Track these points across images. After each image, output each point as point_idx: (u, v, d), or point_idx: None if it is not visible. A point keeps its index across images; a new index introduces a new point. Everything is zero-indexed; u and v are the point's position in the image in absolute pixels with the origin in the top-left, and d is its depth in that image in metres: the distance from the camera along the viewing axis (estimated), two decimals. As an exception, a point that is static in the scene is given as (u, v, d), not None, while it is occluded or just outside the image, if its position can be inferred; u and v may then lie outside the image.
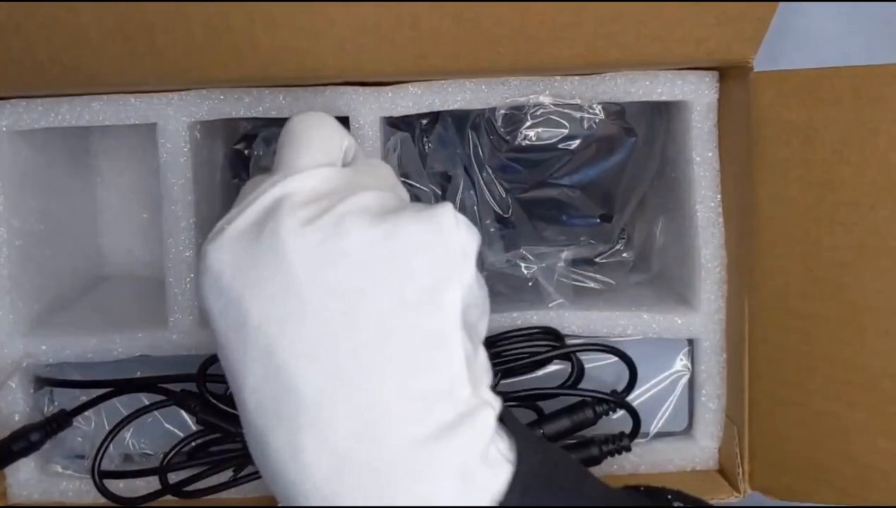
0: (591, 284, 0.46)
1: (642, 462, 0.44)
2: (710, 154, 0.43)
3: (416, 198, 0.44)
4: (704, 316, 0.43)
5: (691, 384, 0.45)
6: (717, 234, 0.43)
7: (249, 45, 0.37)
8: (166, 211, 0.43)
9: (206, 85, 0.42)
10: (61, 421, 0.40)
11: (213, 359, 0.40)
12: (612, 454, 0.41)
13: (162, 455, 0.40)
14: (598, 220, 0.46)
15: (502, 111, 0.42)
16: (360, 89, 0.42)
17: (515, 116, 0.42)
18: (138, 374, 0.43)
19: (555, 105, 0.42)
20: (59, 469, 0.44)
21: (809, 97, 0.37)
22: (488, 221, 0.45)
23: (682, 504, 0.30)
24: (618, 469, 0.43)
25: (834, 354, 0.38)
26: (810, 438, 0.39)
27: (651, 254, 0.48)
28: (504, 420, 0.26)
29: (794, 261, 0.39)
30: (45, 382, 0.43)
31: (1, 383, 0.42)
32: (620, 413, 0.41)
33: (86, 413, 0.42)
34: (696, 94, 0.42)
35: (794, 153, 0.38)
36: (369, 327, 0.24)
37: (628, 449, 0.41)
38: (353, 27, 0.37)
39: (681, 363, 0.45)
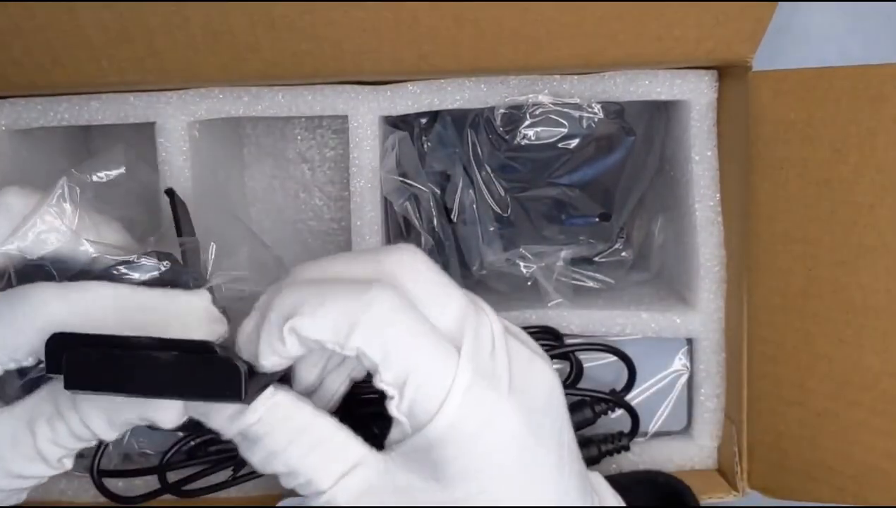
0: (591, 283, 0.46)
1: (641, 461, 0.44)
2: (709, 153, 0.43)
3: (415, 197, 0.44)
4: (703, 316, 0.43)
5: (690, 383, 0.45)
6: (716, 233, 0.43)
7: (249, 46, 0.37)
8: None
9: (206, 85, 0.42)
10: None
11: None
12: (611, 453, 0.41)
13: (161, 454, 0.40)
14: (598, 219, 0.46)
15: (501, 110, 0.42)
16: (359, 88, 0.42)
17: (514, 115, 0.42)
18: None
19: (554, 104, 0.42)
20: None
21: (808, 96, 0.37)
22: (487, 220, 0.45)
23: None
24: (617, 468, 0.43)
25: (834, 354, 0.38)
26: (810, 438, 0.39)
27: (650, 254, 0.48)
28: None
29: (793, 261, 0.39)
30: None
31: None
32: (619, 412, 0.41)
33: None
34: (696, 94, 0.42)
35: (793, 152, 0.38)
36: None
37: (627, 449, 0.41)
38: (352, 28, 0.37)
39: (680, 362, 0.45)
